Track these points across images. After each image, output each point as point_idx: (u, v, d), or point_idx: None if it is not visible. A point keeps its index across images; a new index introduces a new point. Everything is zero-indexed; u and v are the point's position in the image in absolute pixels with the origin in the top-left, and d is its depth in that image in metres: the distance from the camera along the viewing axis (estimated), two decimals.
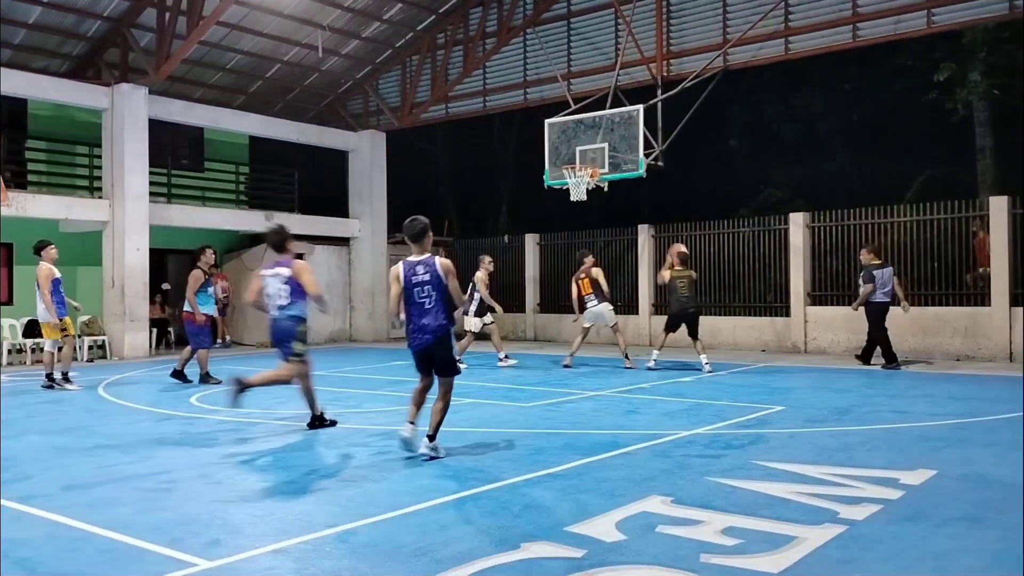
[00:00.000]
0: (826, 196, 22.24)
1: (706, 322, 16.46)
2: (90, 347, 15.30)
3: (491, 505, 4.77)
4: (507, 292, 19.69)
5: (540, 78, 17.91)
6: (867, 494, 4.89)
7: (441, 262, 6.11)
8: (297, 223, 18.96)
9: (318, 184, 21.44)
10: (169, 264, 18.75)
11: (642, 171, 14.49)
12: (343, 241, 20.12)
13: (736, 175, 26.27)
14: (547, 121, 15.76)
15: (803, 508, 4.62)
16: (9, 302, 15.89)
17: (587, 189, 14.71)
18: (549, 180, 15.45)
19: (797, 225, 15.42)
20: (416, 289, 6.04)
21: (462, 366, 12.87)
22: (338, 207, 20.41)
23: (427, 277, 6.02)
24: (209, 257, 11.10)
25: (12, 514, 4.70)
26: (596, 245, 18.42)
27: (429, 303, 6.02)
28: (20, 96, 15.52)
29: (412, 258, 6.14)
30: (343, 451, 6.42)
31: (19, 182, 15.40)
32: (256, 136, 19.53)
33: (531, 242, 19.58)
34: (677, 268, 11.94)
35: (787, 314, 15.44)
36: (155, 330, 16.63)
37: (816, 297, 15.26)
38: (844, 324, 14.59)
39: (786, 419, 7.70)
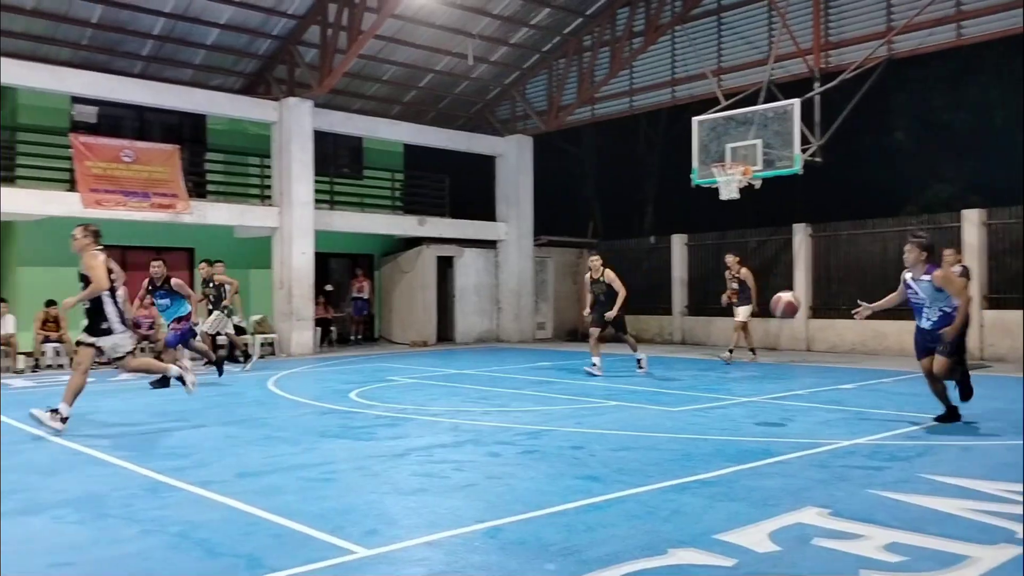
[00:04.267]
0: (1004, 191, 20.46)
1: (871, 326, 15.59)
2: (261, 344, 16.42)
3: (638, 509, 4.74)
4: (653, 294, 19.44)
5: (688, 75, 17.57)
6: None
7: None
8: (447, 227, 19.60)
9: (467, 188, 21.99)
10: (331, 267, 19.81)
11: (798, 167, 13.93)
12: (490, 244, 20.54)
13: (901, 170, 24.67)
14: (695, 119, 15.45)
15: (975, 526, 4.29)
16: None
17: (739, 187, 14.31)
18: (697, 179, 15.14)
19: (971, 223, 14.32)
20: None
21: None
22: (486, 210, 20.86)
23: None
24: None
25: (192, 497, 5.13)
26: (748, 246, 17.86)
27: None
28: (200, 112, 16.92)
29: None
30: (491, 449, 6.57)
31: (199, 192, 16.74)
32: (409, 144, 20.30)
33: (678, 243, 19.23)
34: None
35: None
36: (319, 329, 17.61)
37: (993, 300, 14.10)
38: None
39: (958, 430, 7.18)
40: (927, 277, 7.20)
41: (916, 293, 7.27)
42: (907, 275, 7.43)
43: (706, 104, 16.31)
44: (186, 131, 17.55)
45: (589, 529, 4.33)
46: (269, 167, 17.15)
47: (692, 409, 8.65)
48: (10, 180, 14.80)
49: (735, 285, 13.82)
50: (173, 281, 11.16)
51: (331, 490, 5.30)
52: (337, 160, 19.69)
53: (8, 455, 6.55)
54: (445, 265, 19.83)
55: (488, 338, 20.20)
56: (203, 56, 16.58)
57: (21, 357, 13.73)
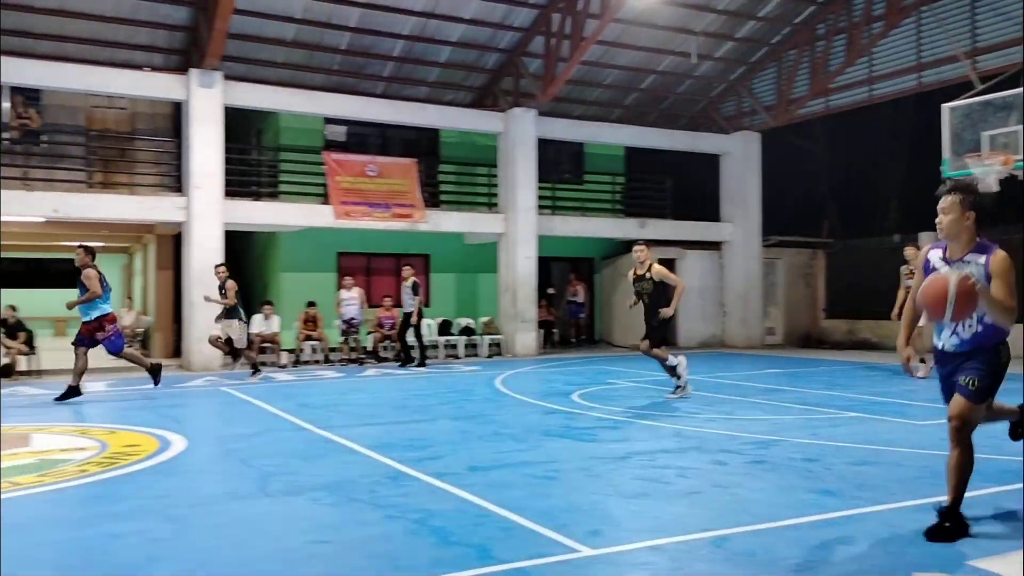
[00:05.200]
0: None
1: None
2: (489, 345, 17.17)
3: (879, 528, 4.42)
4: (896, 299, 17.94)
5: (937, 58, 16.06)
6: None
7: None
8: (669, 229, 19.35)
9: (689, 189, 21.57)
10: (553, 271, 20.26)
11: None
12: (714, 245, 19.99)
13: None
14: (945, 106, 14.08)
15: None
16: (426, 304, 18.46)
17: (998, 179, 12.87)
18: (948, 171, 13.78)
19: None
20: None
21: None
22: (709, 211, 20.34)
23: None
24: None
25: (429, 487, 5.47)
26: (1011, 243, 15.98)
27: None
28: (434, 127, 18.03)
29: None
30: (716, 457, 6.41)
31: (433, 201, 17.80)
32: (631, 146, 20.27)
33: (927, 241, 17.59)
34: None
35: None
36: (542, 330, 18.09)
37: None
38: None
39: None
40: (980, 258, 4.21)
41: None
42: (934, 254, 4.50)
43: (958, 89, 14.81)
44: (422, 145, 18.74)
45: (824, 546, 4.11)
46: (496, 176, 17.89)
47: (943, 423, 7.87)
48: (274, 195, 16.65)
49: (911, 282, 12.12)
50: (83, 273, 9.79)
51: (555, 488, 5.44)
52: (559, 166, 20.09)
53: (273, 442, 7.37)
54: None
55: (712, 343, 19.68)
56: (437, 73, 17.61)
57: (284, 353, 15.36)
